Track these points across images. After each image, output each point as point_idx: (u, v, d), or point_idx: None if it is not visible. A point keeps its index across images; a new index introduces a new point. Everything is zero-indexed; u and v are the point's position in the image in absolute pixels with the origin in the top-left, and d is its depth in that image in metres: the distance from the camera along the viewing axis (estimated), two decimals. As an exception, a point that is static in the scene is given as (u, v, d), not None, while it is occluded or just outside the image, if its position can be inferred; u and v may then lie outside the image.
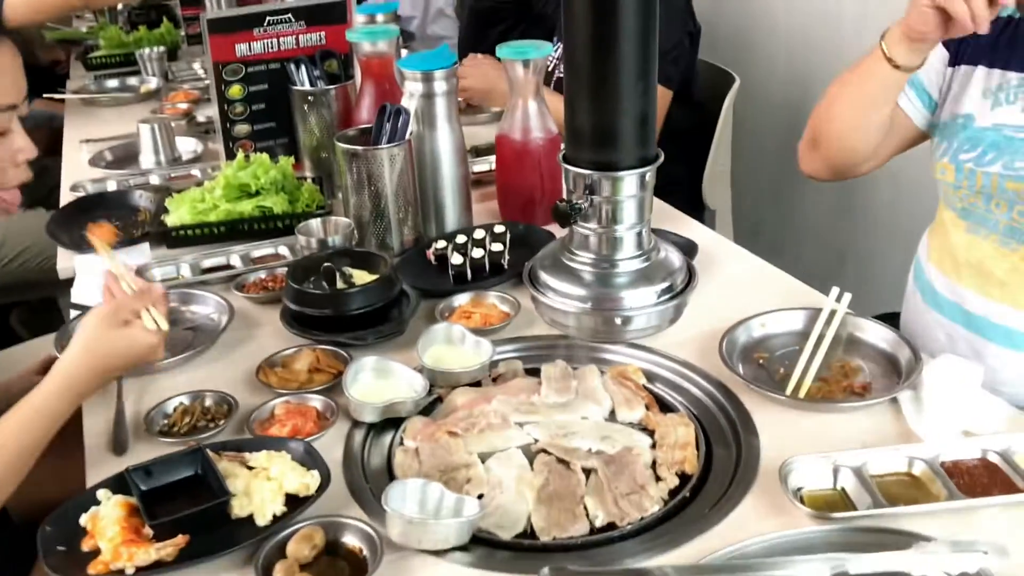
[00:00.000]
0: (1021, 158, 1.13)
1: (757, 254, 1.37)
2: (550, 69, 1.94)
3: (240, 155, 1.47)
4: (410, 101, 1.35)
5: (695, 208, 1.97)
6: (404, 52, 2.27)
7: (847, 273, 2.53)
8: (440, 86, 1.35)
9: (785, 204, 2.73)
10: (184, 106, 2.14)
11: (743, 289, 1.24)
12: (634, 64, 0.79)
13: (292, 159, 1.51)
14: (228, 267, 1.34)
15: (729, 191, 2.09)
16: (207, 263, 1.35)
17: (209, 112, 2.00)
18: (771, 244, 2.49)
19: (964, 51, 1.24)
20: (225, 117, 1.57)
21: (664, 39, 1.78)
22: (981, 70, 1.20)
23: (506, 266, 1.27)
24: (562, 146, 1.15)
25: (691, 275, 0.89)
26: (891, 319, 1.41)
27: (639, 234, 0.88)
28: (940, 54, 1.28)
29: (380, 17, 1.68)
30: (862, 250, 2.44)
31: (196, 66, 2.51)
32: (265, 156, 1.44)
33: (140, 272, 1.28)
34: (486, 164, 1.64)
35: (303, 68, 1.55)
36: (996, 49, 1.19)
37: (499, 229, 1.35)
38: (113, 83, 2.40)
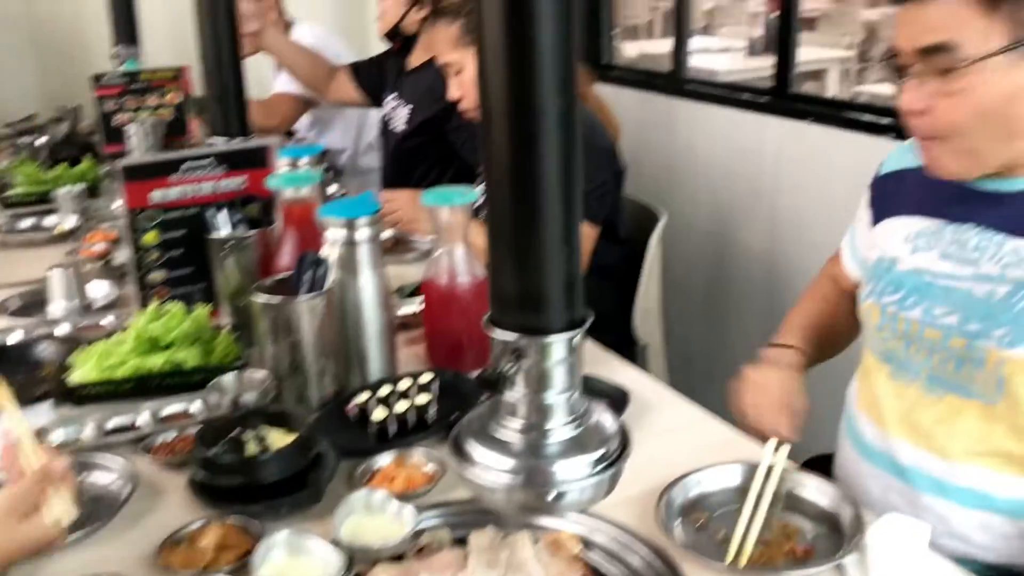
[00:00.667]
0: (940, 304, 1.13)
1: (691, 384, 1.35)
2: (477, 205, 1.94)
3: (153, 305, 1.40)
4: (332, 249, 1.31)
5: (627, 344, 1.94)
6: (333, 187, 2.26)
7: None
8: (363, 233, 1.32)
9: (716, 333, 2.73)
10: (101, 247, 2.07)
11: (679, 440, 1.20)
12: (559, 229, 0.76)
13: (209, 307, 1.45)
14: (135, 427, 1.25)
15: (660, 325, 2.07)
16: (113, 423, 1.26)
17: (123, 255, 1.93)
18: (704, 374, 2.48)
19: (883, 208, 1.28)
20: (139, 265, 1.51)
21: (589, 179, 1.79)
22: (902, 218, 1.22)
23: (433, 420, 1.22)
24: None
25: (625, 440, 0.85)
26: (826, 462, 1.38)
27: (570, 399, 0.84)
28: (866, 221, 1.32)
29: (303, 160, 1.67)
30: None
31: (117, 204, 2.45)
32: (179, 307, 1.38)
33: (40, 434, 1.19)
34: (413, 306, 1.60)
35: (222, 214, 1.51)
36: (912, 199, 1.22)
37: (425, 379, 1.30)
38: (28, 223, 2.32)
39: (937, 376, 1.14)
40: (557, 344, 0.81)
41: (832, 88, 4.95)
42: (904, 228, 1.21)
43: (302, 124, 3.09)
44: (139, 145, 2.32)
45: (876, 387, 1.23)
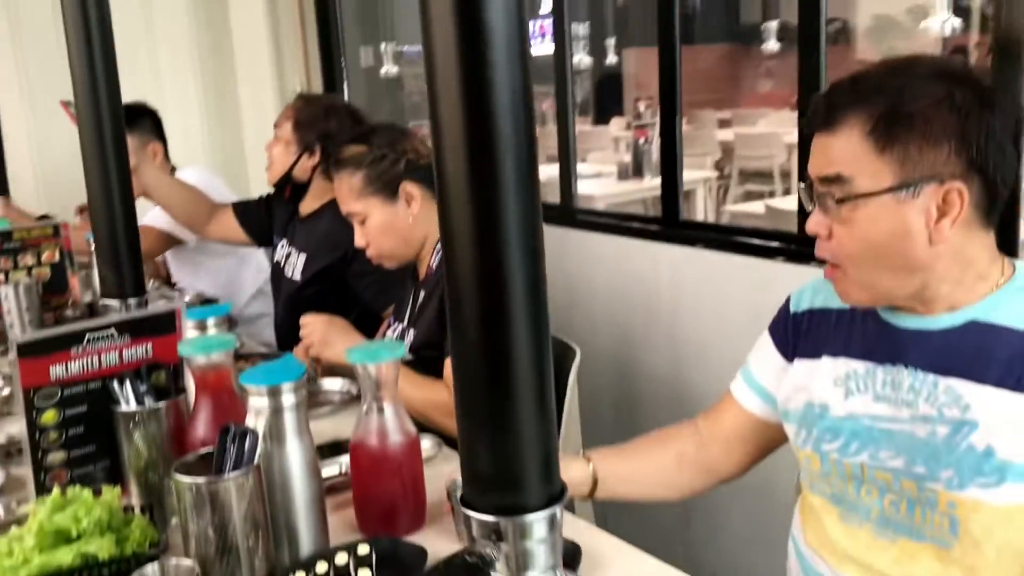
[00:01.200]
0: (884, 448, 1.14)
1: (619, 518, 1.32)
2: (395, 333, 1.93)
3: (56, 491, 1.28)
4: (257, 419, 1.24)
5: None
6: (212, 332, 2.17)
7: (694, 530, 2.52)
8: (288, 399, 1.26)
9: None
10: (-21, 423, 1.90)
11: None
12: (534, 402, 0.73)
13: (117, 488, 1.34)
14: (44, 637, 1.12)
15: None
16: (16, 633, 1.13)
17: (10, 430, 1.79)
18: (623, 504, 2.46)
19: (798, 347, 1.30)
20: (36, 447, 1.39)
21: None
22: (826, 360, 1.23)
23: (378, 596, 1.14)
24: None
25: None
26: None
27: None
28: (775, 357, 1.34)
29: (211, 321, 1.60)
30: (709, 505, 2.44)
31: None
32: (87, 493, 1.27)
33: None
34: (336, 467, 1.52)
35: (127, 385, 1.42)
36: (836, 341, 1.24)
37: (363, 550, 1.23)
38: None
39: (888, 518, 1.14)
40: (538, 523, 0.78)
41: (700, 206, 5.20)
42: (831, 371, 1.22)
43: (172, 267, 3.00)
44: (14, 309, 2.19)
45: (827, 528, 1.23)
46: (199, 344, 1.36)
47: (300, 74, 4.02)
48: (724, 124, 9.17)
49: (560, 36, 2.79)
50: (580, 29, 5.32)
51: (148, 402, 1.42)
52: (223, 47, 3.90)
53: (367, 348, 1.34)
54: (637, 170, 4.99)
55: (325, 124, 2.38)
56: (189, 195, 2.66)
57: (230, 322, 1.99)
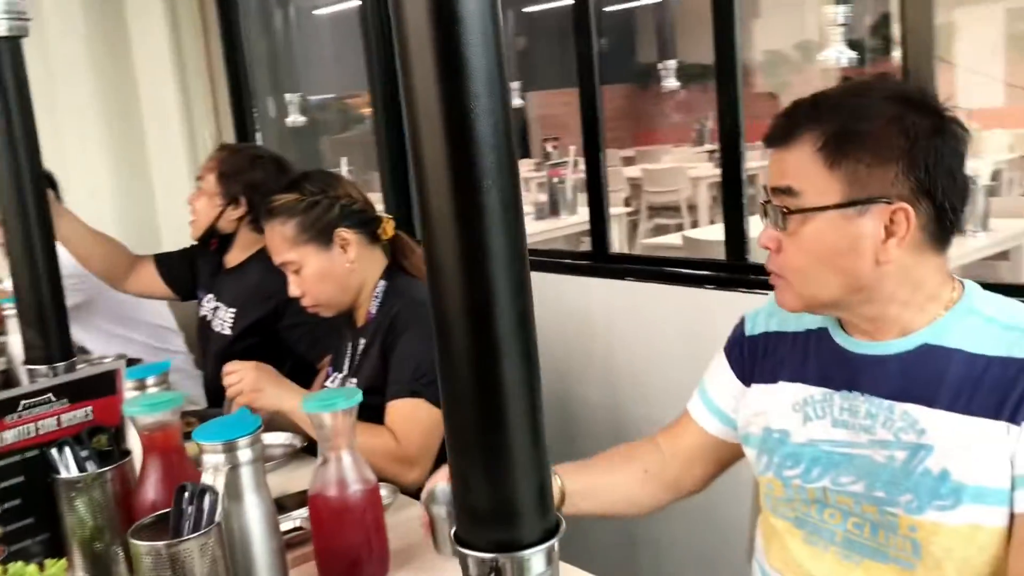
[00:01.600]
0: (845, 473, 1.15)
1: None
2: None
3: (-4, 569, 1.21)
4: (214, 476, 1.20)
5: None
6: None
7: (640, 559, 2.53)
8: (245, 454, 1.22)
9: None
10: None
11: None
12: (528, 433, 0.73)
13: (63, 560, 1.27)
14: None
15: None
16: None
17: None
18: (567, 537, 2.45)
19: (755, 371, 1.32)
20: (-31, 524, 1.31)
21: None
22: (783, 385, 1.25)
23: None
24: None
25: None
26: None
27: None
28: (731, 380, 1.36)
29: (151, 380, 1.54)
30: (654, 531, 2.46)
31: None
32: (32, 568, 1.20)
33: None
34: (291, 522, 1.48)
35: (67, 451, 1.35)
36: (792, 365, 1.25)
37: (332, 604, 1.19)
38: None
39: (852, 540, 1.16)
40: (536, 557, 0.77)
41: (615, 241, 5.27)
42: (788, 396, 1.23)
43: (72, 330, 2.87)
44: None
45: (791, 550, 1.24)
46: (146, 403, 1.31)
47: (210, 126, 3.96)
48: (628, 161, 9.39)
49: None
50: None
51: (91, 468, 1.35)
52: (129, 103, 3.81)
53: (322, 397, 1.31)
54: (554, 208, 5.05)
55: (250, 174, 2.33)
56: (108, 246, 2.56)
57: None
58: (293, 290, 1.84)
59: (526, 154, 9.79)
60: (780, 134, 1.12)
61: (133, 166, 3.82)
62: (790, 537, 1.24)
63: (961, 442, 1.06)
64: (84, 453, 1.36)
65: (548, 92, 10.84)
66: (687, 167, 7.07)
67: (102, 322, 2.75)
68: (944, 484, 1.07)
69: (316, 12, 7.70)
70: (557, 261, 2.67)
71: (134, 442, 1.43)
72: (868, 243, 1.08)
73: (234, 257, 2.42)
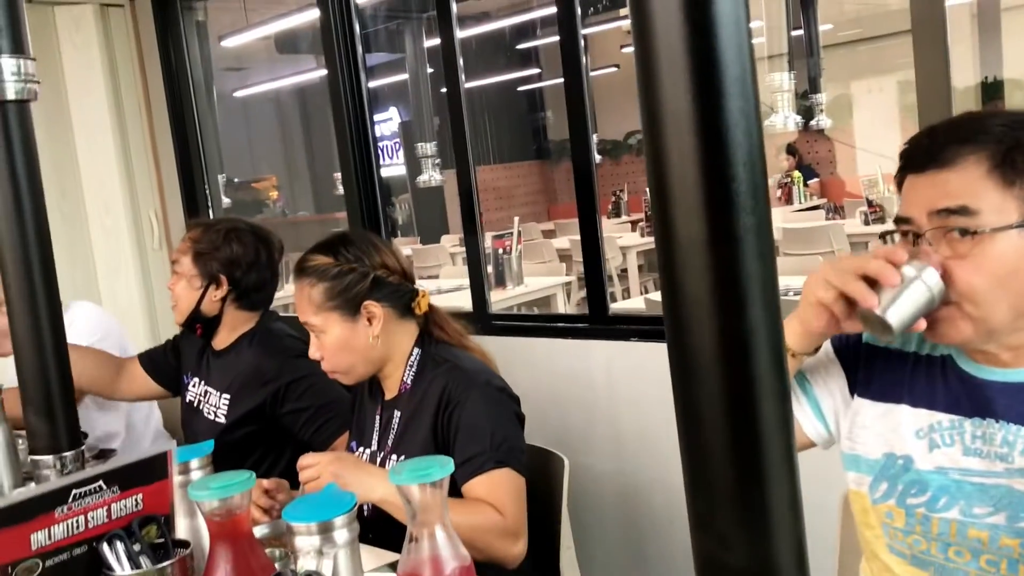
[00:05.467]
0: (978, 503, 1.11)
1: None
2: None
3: None
4: (312, 561, 1.08)
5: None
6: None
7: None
8: (342, 536, 1.11)
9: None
10: None
11: None
12: (786, 480, 0.67)
13: (126, 671, 1.12)
14: None
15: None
16: None
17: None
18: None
19: (870, 382, 1.25)
20: (14, 635, 1.15)
21: (514, 430, 1.67)
22: (906, 409, 1.20)
23: None
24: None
25: None
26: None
27: None
28: (839, 379, 1.28)
29: (195, 463, 1.41)
30: (665, 546, 2.37)
31: None
32: None
33: None
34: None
35: (119, 546, 1.21)
36: (913, 389, 1.20)
37: None
38: None
39: None
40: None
41: (563, 311, 5.27)
42: (912, 421, 1.18)
43: None
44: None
45: None
46: (218, 485, 1.18)
47: (156, 205, 3.81)
48: (548, 234, 9.47)
49: (463, 153, 2.79)
50: (428, 148, 5.38)
51: (145, 563, 1.22)
52: (71, 183, 3.64)
53: (412, 467, 1.21)
54: (500, 280, 5.02)
55: (227, 250, 2.18)
56: (91, 358, 2.32)
57: (104, 452, 1.77)
58: (313, 352, 1.74)
59: (446, 230, 9.79)
60: (935, 155, 1.08)
61: (74, 245, 3.63)
62: None
63: None
64: (137, 547, 1.22)
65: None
66: (615, 236, 7.16)
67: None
68: None
69: (237, 94, 7.61)
70: (550, 325, 2.62)
71: (185, 532, 1.30)
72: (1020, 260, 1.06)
73: (223, 339, 2.26)
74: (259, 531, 1.50)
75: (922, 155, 1.10)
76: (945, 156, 1.08)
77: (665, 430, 2.33)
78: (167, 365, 2.40)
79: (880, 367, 1.25)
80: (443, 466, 1.20)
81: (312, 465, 1.59)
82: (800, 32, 6.22)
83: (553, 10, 2.50)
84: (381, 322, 1.72)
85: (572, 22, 2.45)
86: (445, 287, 5.40)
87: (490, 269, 5.16)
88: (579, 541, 2.60)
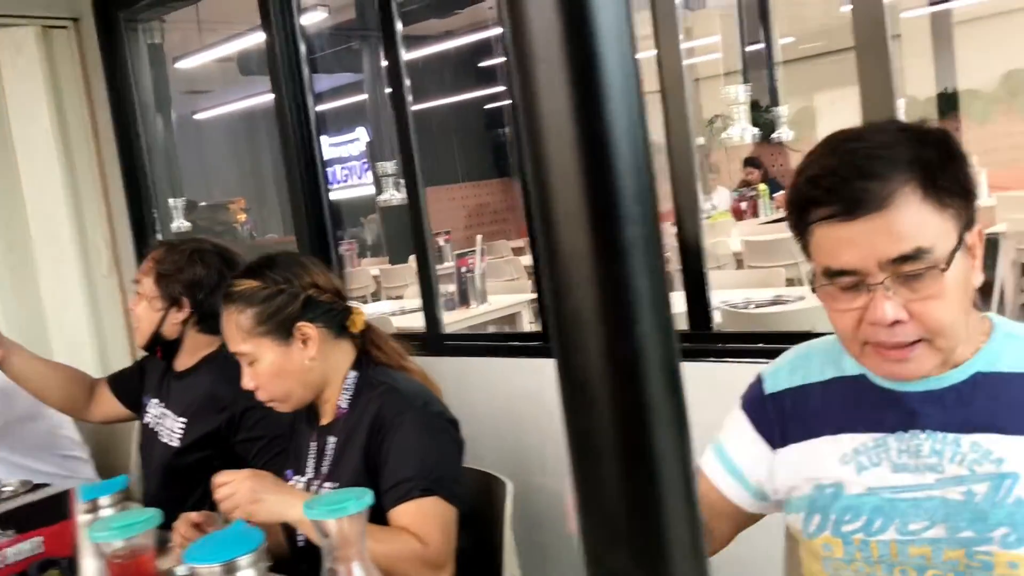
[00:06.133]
0: (914, 519, 1.08)
1: None
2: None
3: None
4: (216, 605, 1.01)
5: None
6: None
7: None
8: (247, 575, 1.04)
9: None
10: None
11: None
12: (684, 505, 0.61)
13: None
14: None
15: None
16: None
17: None
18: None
19: (786, 430, 1.22)
20: None
21: (451, 458, 1.61)
22: (826, 439, 1.16)
23: None
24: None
25: None
26: None
27: None
28: (755, 441, 1.25)
29: (105, 500, 1.33)
30: None
31: None
32: None
33: None
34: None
35: (16, 593, 1.14)
36: (829, 418, 1.17)
37: None
38: None
39: None
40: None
41: (527, 328, 5.22)
42: (834, 449, 1.15)
43: None
44: None
45: None
46: (117, 525, 1.11)
47: (103, 231, 3.72)
48: (518, 251, 9.44)
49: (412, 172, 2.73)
50: (388, 167, 5.32)
51: (45, 610, 1.14)
52: (15, 210, 3.55)
53: (327, 500, 1.15)
54: (464, 299, 4.96)
55: (190, 271, 2.12)
56: (64, 376, 2.31)
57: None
58: (246, 382, 1.66)
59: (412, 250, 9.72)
60: (864, 198, 1.00)
61: (20, 272, 3.54)
62: None
63: None
64: (36, 594, 1.15)
65: (432, 188, 10.89)
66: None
67: (7, 453, 2.44)
68: None
69: (197, 116, 7.53)
70: (504, 344, 2.56)
71: (90, 563, 1.23)
72: (971, 273, 1.04)
73: (183, 361, 2.19)
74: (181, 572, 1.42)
75: (845, 200, 1.01)
76: (878, 197, 1.00)
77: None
78: (133, 387, 2.34)
79: (790, 410, 1.22)
80: (359, 499, 1.14)
81: (228, 482, 1.51)
82: (761, 46, 6.24)
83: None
84: (316, 343, 1.65)
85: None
86: (409, 307, 5.33)
87: (453, 288, 5.11)
88: (535, 563, 2.53)
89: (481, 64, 10.74)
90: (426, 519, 1.51)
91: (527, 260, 7.68)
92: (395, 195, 5.68)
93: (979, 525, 1.04)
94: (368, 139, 10.74)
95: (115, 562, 1.11)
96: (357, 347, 1.73)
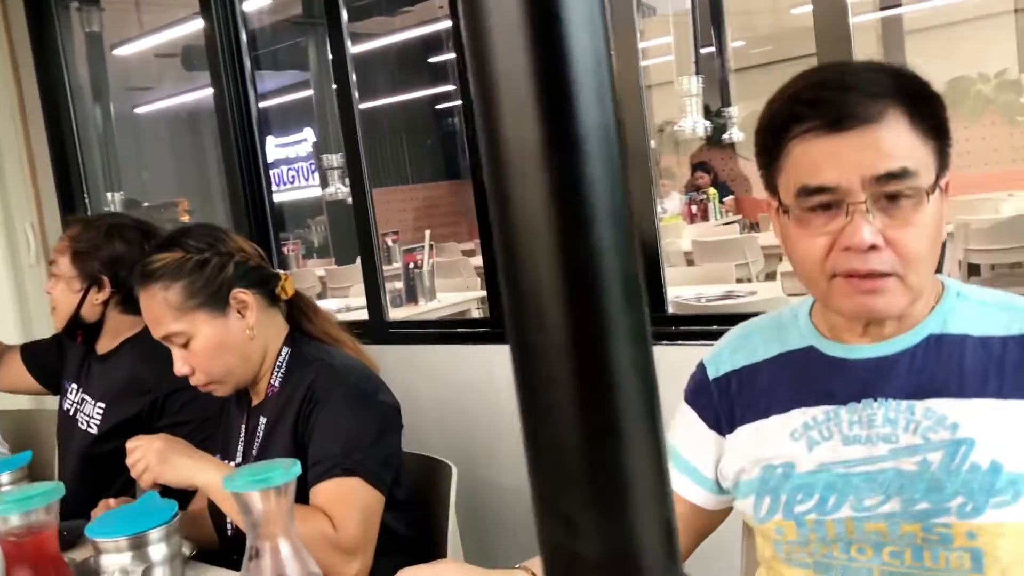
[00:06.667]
0: (868, 494, 1.02)
1: None
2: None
3: None
4: (121, 584, 0.90)
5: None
6: None
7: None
8: (159, 551, 0.94)
9: None
10: None
11: None
12: (647, 445, 0.52)
13: None
14: None
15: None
16: None
17: None
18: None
19: (733, 414, 1.15)
20: None
21: (386, 441, 1.51)
22: (775, 418, 1.10)
23: None
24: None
25: None
26: None
27: None
28: (702, 433, 1.18)
29: (5, 477, 1.21)
30: None
31: None
32: None
33: None
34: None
35: None
36: (776, 394, 1.11)
37: None
38: None
39: (893, 572, 1.01)
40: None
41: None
42: (784, 426, 1.09)
43: None
44: None
45: None
46: (13, 499, 0.99)
47: (32, 216, 3.55)
48: (468, 253, 9.34)
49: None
50: (335, 159, 5.20)
51: (-71, 597, 1.02)
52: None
53: (250, 472, 1.04)
54: (411, 296, 4.84)
55: (109, 248, 1.99)
56: None
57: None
58: (180, 367, 1.53)
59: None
60: (857, 110, 0.95)
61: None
62: None
63: (1004, 429, 0.97)
64: (-80, 578, 1.02)
65: (379, 190, 10.75)
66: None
67: None
68: (998, 477, 0.96)
69: (138, 110, 7.30)
70: (451, 331, 2.47)
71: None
72: (943, 216, 0.99)
73: (105, 344, 2.06)
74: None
75: (833, 113, 0.96)
76: (869, 111, 0.95)
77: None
78: (49, 361, 2.22)
79: (736, 392, 1.15)
80: (287, 470, 1.04)
81: (138, 447, 1.40)
82: (711, 48, 6.25)
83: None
84: (255, 312, 1.54)
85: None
86: (355, 304, 5.20)
87: (400, 285, 5.00)
88: (480, 559, 2.43)
89: (431, 60, 10.65)
90: (344, 501, 1.40)
91: (477, 261, 7.61)
92: (341, 188, 5.56)
93: (935, 496, 0.98)
94: (316, 139, 10.58)
95: (10, 541, 0.99)
96: (287, 320, 1.62)
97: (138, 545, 0.92)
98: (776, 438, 1.09)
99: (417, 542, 1.61)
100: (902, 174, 0.95)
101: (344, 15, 2.64)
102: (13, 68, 3.51)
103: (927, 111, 0.97)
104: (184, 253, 1.52)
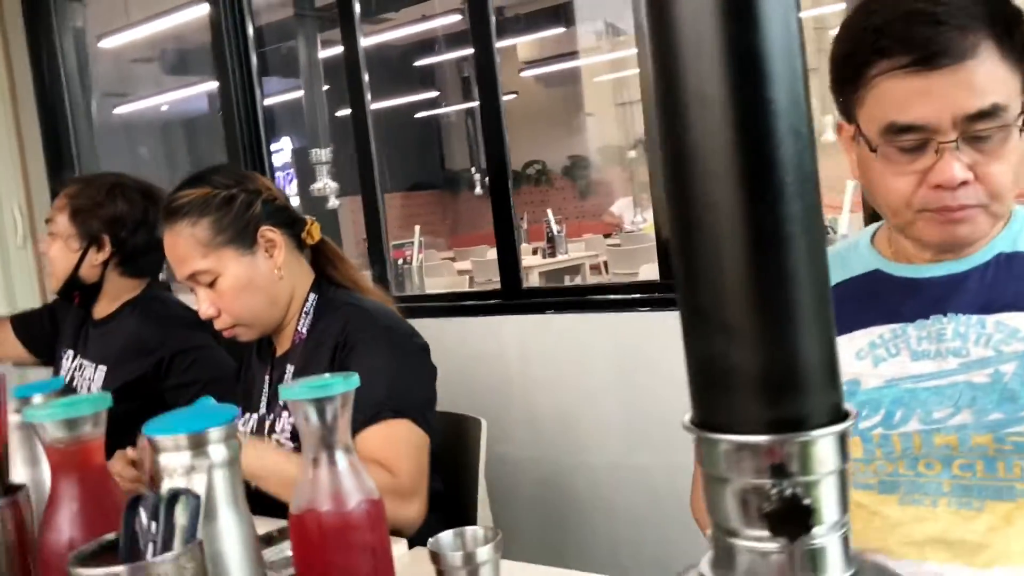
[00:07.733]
0: (937, 407, 1.01)
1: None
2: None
3: None
4: (187, 480, 0.86)
5: None
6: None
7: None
8: (218, 452, 0.89)
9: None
10: None
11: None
12: (813, 270, 0.50)
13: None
14: None
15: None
16: None
17: None
18: None
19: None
20: None
21: (426, 385, 1.47)
22: (843, 339, 1.10)
23: None
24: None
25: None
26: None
27: (844, 538, 0.52)
28: None
29: (38, 398, 1.16)
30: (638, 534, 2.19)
31: None
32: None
33: None
34: (276, 554, 1.13)
35: (-69, 487, 0.96)
36: (842, 318, 1.11)
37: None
38: None
39: (966, 486, 1.00)
40: (825, 443, 0.53)
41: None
42: (850, 346, 1.09)
43: None
44: None
45: (888, 518, 1.05)
46: (63, 405, 0.94)
47: (20, 197, 3.48)
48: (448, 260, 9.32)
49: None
50: (323, 154, 5.14)
51: (-33, 509, 0.96)
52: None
53: (308, 384, 1.00)
54: (400, 290, 4.83)
55: (111, 207, 1.93)
56: None
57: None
58: (205, 309, 1.48)
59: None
60: (949, 46, 0.93)
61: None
62: (883, 506, 1.06)
63: None
64: (-44, 490, 0.97)
65: (354, 198, 10.68)
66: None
67: None
68: None
69: (117, 111, 7.20)
70: (459, 304, 2.43)
71: (23, 471, 1.06)
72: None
73: (103, 308, 2.00)
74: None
75: (923, 49, 0.93)
76: (961, 47, 0.93)
77: (585, 411, 2.16)
78: (41, 331, 2.17)
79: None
80: (346, 379, 1.00)
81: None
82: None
83: (454, 25, 2.37)
84: (283, 251, 1.50)
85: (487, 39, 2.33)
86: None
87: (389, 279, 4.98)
88: (506, 512, 2.39)
89: (417, 63, 10.62)
90: (396, 444, 1.37)
91: (460, 265, 7.61)
92: (329, 184, 5.50)
93: (1008, 406, 0.98)
94: (293, 147, 10.49)
95: (56, 449, 0.94)
96: (313, 267, 1.58)
97: (198, 444, 0.87)
98: (843, 359, 1.08)
99: (449, 500, 1.57)
100: (992, 111, 0.94)
101: (357, 8, 2.61)
102: (4, 48, 3.44)
103: (1019, 38, 0.96)
104: (211, 188, 1.48)
